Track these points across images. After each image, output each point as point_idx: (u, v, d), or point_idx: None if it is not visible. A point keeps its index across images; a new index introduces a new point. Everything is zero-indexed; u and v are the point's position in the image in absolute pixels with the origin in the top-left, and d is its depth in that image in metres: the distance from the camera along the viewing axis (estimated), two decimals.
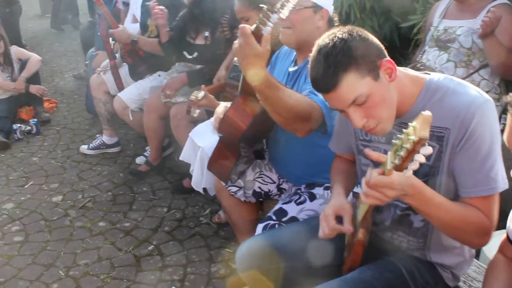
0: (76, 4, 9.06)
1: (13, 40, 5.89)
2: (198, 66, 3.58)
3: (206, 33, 3.47)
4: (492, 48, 2.68)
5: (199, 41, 3.54)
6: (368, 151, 1.38)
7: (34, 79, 5.14)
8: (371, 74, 1.44)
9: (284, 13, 1.58)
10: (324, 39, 1.49)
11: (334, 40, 1.45)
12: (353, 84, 1.43)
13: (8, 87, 4.98)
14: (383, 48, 1.52)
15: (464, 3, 2.87)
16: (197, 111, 2.68)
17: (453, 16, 2.95)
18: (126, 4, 4.67)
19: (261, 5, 1.69)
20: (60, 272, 2.90)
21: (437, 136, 1.49)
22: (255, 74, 1.66)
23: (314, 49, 1.51)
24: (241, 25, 1.61)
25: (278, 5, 1.57)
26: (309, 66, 1.53)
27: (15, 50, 5.23)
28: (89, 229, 3.30)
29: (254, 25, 1.62)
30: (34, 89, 5.01)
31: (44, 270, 2.92)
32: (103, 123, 4.33)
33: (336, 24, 2.19)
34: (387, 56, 1.50)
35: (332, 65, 1.43)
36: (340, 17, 3.53)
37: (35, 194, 3.75)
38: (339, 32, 1.47)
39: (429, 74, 1.58)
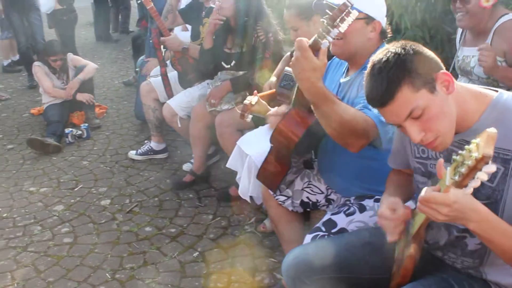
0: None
1: (68, 48, 6.06)
2: (241, 72, 3.60)
3: (241, 42, 3.51)
4: (504, 77, 2.62)
5: (235, 49, 3.57)
6: (440, 162, 1.33)
7: (88, 85, 5.28)
8: (426, 86, 1.42)
9: (343, 27, 1.58)
10: (378, 55, 1.49)
11: (388, 55, 1.44)
12: (408, 97, 1.41)
13: (59, 95, 5.14)
14: (439, 61, 1.49)
15: (472, 29, 2.81)
16: (250, 116, 2.69)
17: (469, 42, 2.91)
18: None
19: (321, 20, 1.68)
20: (107, 274, 2.94)
21: (503, 159, 1.43)
22: (311, 88, 1.66)
23: (369, 65, 1.51)
24: (298, 38, 1.62)
25: (338, 19, 1.56)
26: (364, 82, 1.53)
27: (71, 58, 5.41)
28: (136, 233, 3.34)
29: (312, 39, 1.62)
30: (81, 96, 5.14)
31: (92, 272, 2.97)
32: (152, 129, 4.39)
33: (388, 35, 2.17)
34: (443, 69, 1.48)
35: (386, 79, 1.42)
36: (390, 27, 3.50)
37: (85, 197, 3.83)
38: (392, 47, 1.47)
39: (497, 91, 1.53)
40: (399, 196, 1.67)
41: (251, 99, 2.67)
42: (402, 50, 1.44)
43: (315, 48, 1.62)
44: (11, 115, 5.85)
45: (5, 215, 3.59)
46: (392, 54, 1.44)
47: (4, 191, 3.98)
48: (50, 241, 3.30)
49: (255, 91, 2.77)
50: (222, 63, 3.62)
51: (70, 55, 5.43)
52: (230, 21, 3.56)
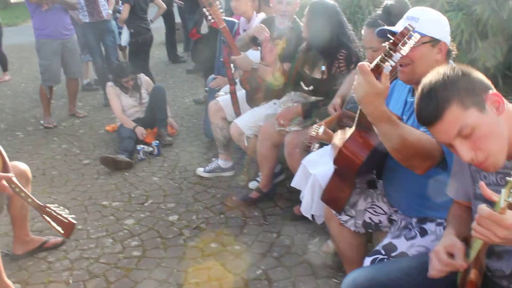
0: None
1: (141, 68, 6.31)
2: (313, 98, 3.61)
3: (323, 67, 3.48)
4: None
5: (316, 74, 3.57)
6: (482, 184, 1.33)
7: (161, 103, 5.47)
8: (476, 106, 1.43)
9: (405, 50, 1.60)
10: (428, 76, 1.53)
11: (437, 76, 1.49)
12: (457, 115, 1.43)
13: (123, 121, 5.44)
14: (489, 82, 1.51)
15: None
16: (317, 145, 2.72)
17: None
18: None
19: (383, 44, 1.70)
20: None
21: None
22: (374, 111, 1.67)
23: (419, 85, 1.54)
24: (360, 63, 1.65)
25: (400, 43, 1.58)
26: (414, 103, 1.56)
27: (144, 79, 5.65)
28: (201, 249, 3.41)
29: (374, 63, 1.64)
30: (138, 130, 5.36)
31: (158, 286, 3.06)
32: (219, 147, 4.49)
33: (454, 54, 2.14)
34: (493, 89, 1.48)
35: (435, 98, 1.46)
36: (460, 46, 3.42)
37: (154, 212, 3.96)
38: (442, 69, 1.51)
39: None
40: (463, 230, 1.65)
41: (317, 129, 2.68)
42: (451, 71, 1.48)
43: (377, 71, 1.63)
44: (88, 131, 6.15)
45: (80, 227, 3.76)
46: (441, 75, 1.49)
47: (79, 204, 4.18)
48: (120, 254, 3.43)
49: (322, 122, 2.78)
50: (301, 83, 3.64)
51: (142, 76, 5.69)
52: (312, 41, 3.55)
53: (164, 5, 7.84)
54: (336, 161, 2.19)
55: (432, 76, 1.52)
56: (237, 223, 3.71)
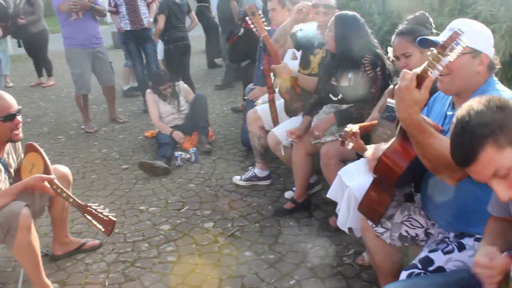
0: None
1: (181, 76, 6.40)
2: (345, 106, 3.60)
3: (349, 75, 3.50)
4: None
5: (343, 83, 3.57)
6: None
7: (202, 110, 5.54)
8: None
9: (453, 56, 1.58)
10: (462, 111, 1.49)
11: (470, 113, 1.44)
12: (492, 157, 1.40)
13: (161, 128, 5.54)
14: None
15: None
16: (351, 144, 2.70)
17: None
18: None
19: (431, 49, 1.69)
20: None
21: None
22: (407, 119, 1.67)
23: (453, 120, 1.52)
24: (404, 70, 1.64)
25: (448, 48, 1.57)
26: (449, 139, 1.54)
27: (182, 87, 5.73)
28: (236, 257, 3.42)
29: (421, 67, 1.63)
30: (176, 136, 5.46)
31: None
32: (256, 156, 4.51)
33: (497, 67, 2.10)
34: None
35: (468, 140, 1.43)
36: (504, 58, 3.35)
37: (190, 219, 4.00)
38: (475, 103, 1.46)
39: None
40: (498, 246, 1.61)
41: (352, 126, 2.68)
42: (484, 107, 1.43)
43: (421, 79, 1.63)
44: (128, 137, 6.26)
45: (117, 230, 3.83)
46: (475, 112, 1.44)
47: (117, 208, 4.25)
48: (155, 258, 3.47)
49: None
50: (330, 95, 3.65)
51: (181, 84, 5.77)
52: (335, 53, 3.60)
53: (197, 20, 8.04)
54: (375, 170, 2.18)
55: (466, 110, 1.47)
56: (272, 233, 3.70)
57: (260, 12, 4.07)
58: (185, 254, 3.50)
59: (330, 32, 3.51)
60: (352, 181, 2.84)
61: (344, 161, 3.46)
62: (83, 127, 6.71)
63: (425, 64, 1.65)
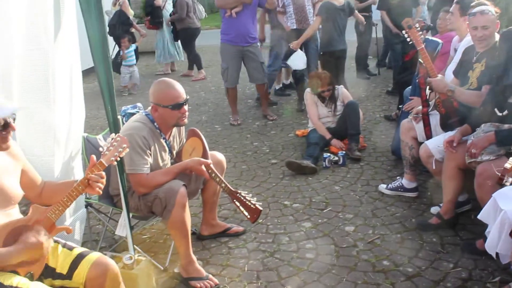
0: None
1: (338, 80, 6.42)
2: (506, 126, 3.40)
3: None
4: None
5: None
6: None
7: (354, 121, 5.57)
8: None
9: None
10: None
11: None
12: None
13: (319, 128, 5.61)
14: None
15: None
16: (510, 179, 2.57)
17: None
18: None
19: None
20: None
21: None
22: None
23: None
24: None
25: None
26: None
27: (342, 91, 5.77)
28: (373, 264, 3.41)
29: None
30: (335, 143, 5.52)
31: None
32: (406, 166, 4.42)
33: None
34: None
35: None
36: None
37: (331, 220, 4.05)
38: None
39: None
40: None
41: None
42: None
43: None
44: (279, 133, 6.47)
45: (260, 221, 4.00)
46: None
47: (263, 200, 4.43)
48: (294, 253, 3.58)
49: None
50: (496, 109, 3.47)
51: (341, 88, 5.80)
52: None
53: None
54: None
55: None
56: (413, 246, 3.62)
57: (417, 25, 3.99)
58: (323, 254, 3.56)
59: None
60: (508, 205, 2.70)
61: (501, 184, 3.29)
62: (230, 117, 7.07)
63: None
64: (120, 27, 9.72)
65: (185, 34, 10.35)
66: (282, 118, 7.15)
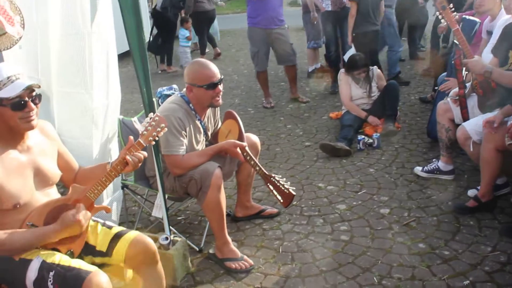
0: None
1: (371, 61, 6.32)
2: None
3: None
4: None
5: None
6: None
7: (393, 103, 5.54)
8: None
9: None
10: None
11: None
12: None
13: (352, 109, 5.63)
14: None
15: None
16: None
17: None
18: (490, 33, 4.58)
19: None
20: (374, 278, 3.07)
21: None
22: None
23: None
24: None
25: None
26: None
27: (377, 72, 5.71)
28: (408, 247, 3.38)
29: None
30: (373, 121, 5.51)
31: (361, 272, 3.14)
32: (442, 149, 4.36)
33: None
34: None
35: None
36: None
37: (366, 202, 4.03)
38: None
39: None
40: None
41: None
42: None
43: None
44: (312, 116, 6.44)
45: (294, 203, 4.01)
46: None
47: (297, 182, 4.44)
48: (329, 235, 3.58)
49: None
50: None
51: (375, 69, 5.74)
52: None
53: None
54: None
55: None
56: (449, 229, 3.58)
57: (451, 5, 3.89)
58: (358, 236, 3.55)
59: None
60: None
61: None
62: (263, 100, 7.06)
63: None
64: (172, 10, 9.69)
65: (195, 19, 10.09)
66: (315, 101, 7.12)
